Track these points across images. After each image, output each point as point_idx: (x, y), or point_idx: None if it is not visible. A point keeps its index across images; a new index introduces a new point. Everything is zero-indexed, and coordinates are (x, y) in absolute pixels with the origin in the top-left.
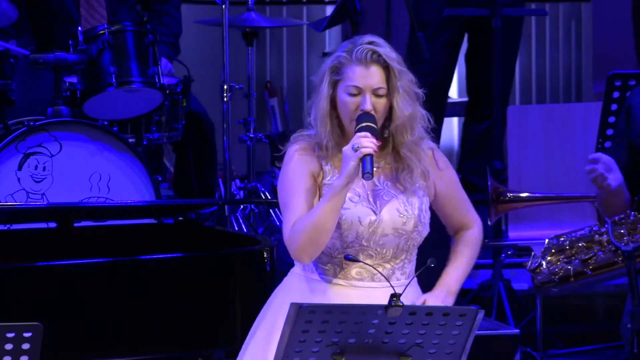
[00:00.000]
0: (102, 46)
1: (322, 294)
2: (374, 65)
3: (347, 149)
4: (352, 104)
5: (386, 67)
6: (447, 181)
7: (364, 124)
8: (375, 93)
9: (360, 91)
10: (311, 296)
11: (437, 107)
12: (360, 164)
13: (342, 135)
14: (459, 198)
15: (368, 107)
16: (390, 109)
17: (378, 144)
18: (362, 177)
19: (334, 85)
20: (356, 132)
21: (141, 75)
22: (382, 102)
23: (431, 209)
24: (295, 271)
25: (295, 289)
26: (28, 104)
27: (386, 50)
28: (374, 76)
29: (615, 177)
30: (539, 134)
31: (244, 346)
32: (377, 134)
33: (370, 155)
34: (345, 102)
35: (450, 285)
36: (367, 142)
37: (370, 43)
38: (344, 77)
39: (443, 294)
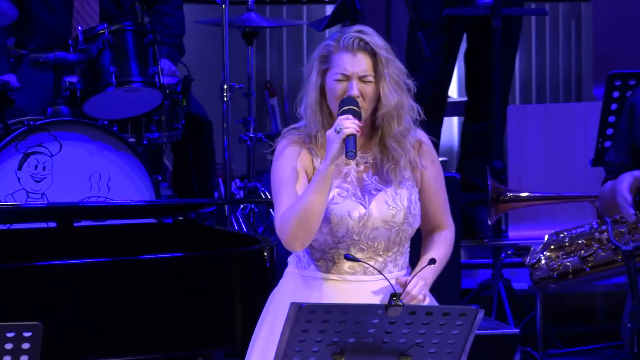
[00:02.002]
0: (102, 46)
1: (317, 289)
2: (360, 53)
3: (330, 132)
4: (340, 91)
5: (373, 55)
6: (431, 176)
7: (346, 107)
8: (362, 80)
9: (347, 78)
10: (307, 292)
11: (436, 106)
12: (344, 145)
13: (331, 124)
14: (440, 196)
15: (355, 92)
16: (378, 98)
17: (361, 125)
18: (346, 155)
19: (323, 74)
20: (339, 115)
21: (141, 75)
22: (369, 89)
23: None
24: (289, 270)
25: (290, 288)
26: (28, 103)
27: (373, 39)
28: (361, 63)
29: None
30: (539, 134)
31: (247, 354)
32: (359, 116)
33: (353, 135)
34: (333, 89)
35: (426, 277)
36: (349, 123)
37: (358, 31)
38: (332, 65)
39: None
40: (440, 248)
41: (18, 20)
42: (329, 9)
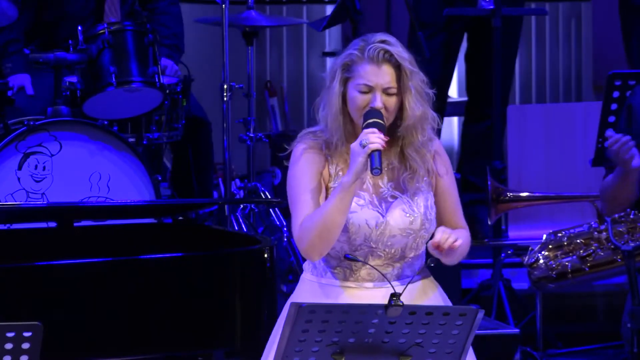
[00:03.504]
0: (102, 46)
1: (334, 297)
2: (385, 65)
3: (355, 145)
4: (363, 102)
5: (397, 67)
6: (446, 184)
7: (371, 120)
8: (385, 92)
9: (370, 89)
10: (325, 300)
11: (436, 106)
12: (369, 160)
13: (352, 133)
14: (454, 202)
15: (378, 105)
16: (400, 109)
17: (386, 140)
18: (371, 172)
19: (345, 82)
20: (363, 128)
21: (141, 74)
22: (392, 101)
23: None
24: (306, 277)
25: (308, 296)
26: (28, 103)
27: (398, 50)
28: (385, 75)
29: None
30: (539, 134)
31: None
32: (384, 130)
33: (379, 151)
34: (355, 99)
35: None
36: (374, 138)
37: (382, 42)
38: (354, 75)
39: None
40: (462, 241)
41: (22, 20)
42: (329, 9)
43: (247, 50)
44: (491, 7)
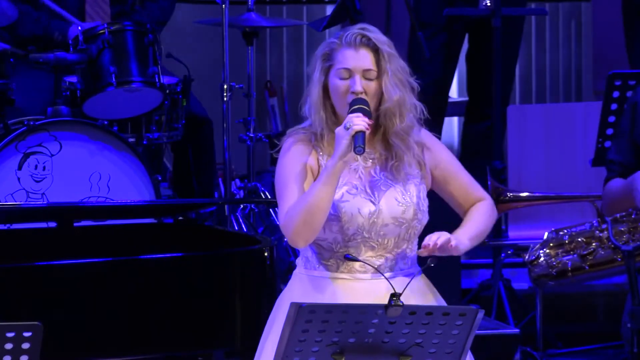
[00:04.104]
0: (102, 46)
1: (326, 290)
2: (363, 49)
3: (339, 129)
4: (343, 87)
5: (376, 51)
6: (446, 166)
7: (356, 106)
8: (365, 76)
9: (350, 74)
10: (315, 294)
11: (437, 106)
12: (352, 141)
13: (336, 123)
14: (463, 177)
15: (358, 88)
16: (380, 95)
17: (370, 122)
18: (354, 151)
19: (326, 71)
20: (348, 114)
21: (141, 74)
22: (372, 85)
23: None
24: (297, 272)
25: (298, 290)
26: (28, 103)
27: (376, 35)
28: (364, 58)
29: None
30: (539, 134)
31: (256, 357)
32: (369, 114)
33: (362, 132)
34: (336, 86)
35: (462, 240)
36: (358, 121)
37: (360, 28)
38: (334, 62)
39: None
40: (480, 218)
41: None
42: (329, 9)
43: (247, 51)
44: (490, 5)
